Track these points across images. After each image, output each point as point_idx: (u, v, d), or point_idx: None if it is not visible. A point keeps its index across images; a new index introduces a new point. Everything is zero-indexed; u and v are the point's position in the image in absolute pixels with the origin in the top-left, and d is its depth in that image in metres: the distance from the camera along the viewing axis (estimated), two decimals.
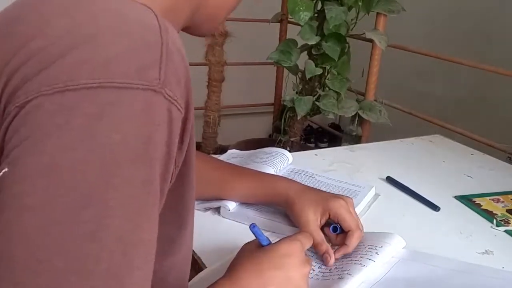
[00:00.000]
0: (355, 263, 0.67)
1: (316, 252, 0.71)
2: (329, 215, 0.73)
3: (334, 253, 0.69)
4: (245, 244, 0.61)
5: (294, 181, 0.82)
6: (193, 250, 0.73)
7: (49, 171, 0.34)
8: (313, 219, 0.72)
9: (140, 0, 0.41)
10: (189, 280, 0.66)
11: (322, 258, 0.70)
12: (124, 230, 0.35)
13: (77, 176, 0.34)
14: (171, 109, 0.38)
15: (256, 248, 0.59)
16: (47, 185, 0.33)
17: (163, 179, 0.39)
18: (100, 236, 0.34)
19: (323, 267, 0.69)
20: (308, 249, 0.72)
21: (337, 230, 0.72)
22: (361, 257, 0.69)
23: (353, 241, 0.70)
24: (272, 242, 0.60)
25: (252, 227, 0.60)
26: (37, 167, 0.34)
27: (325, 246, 0.70)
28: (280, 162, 1.01)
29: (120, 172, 0.35)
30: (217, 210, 0.84)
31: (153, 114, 0.37)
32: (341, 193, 0.91)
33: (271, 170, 0.96)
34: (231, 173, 0.83)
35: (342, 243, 0.71)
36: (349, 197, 0.76)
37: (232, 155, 1.07)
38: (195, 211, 0.84)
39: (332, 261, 0.68)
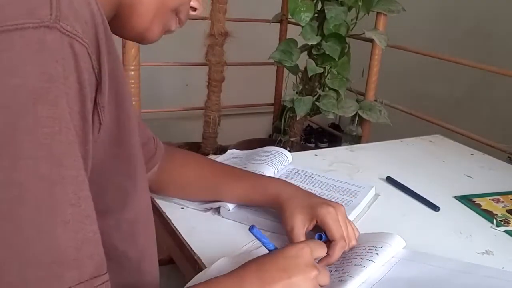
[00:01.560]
0: (355, 265, 0.67)
1: None
2: (317, 222, 0.71)
3: (317, 262, 0.66)
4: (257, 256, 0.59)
5: (288, 183, 0.81)
6: (193, 251, 0.73)
7: None
8: (298, 225, 0.71)
9: None
10: (189, 281, 0.66)
11: None
12: (43, 169, 0.35)
13: None
14: (72, 43, 0.37)
15: (265, 254, 0.58)
16: None
17: (82, 117, 0.39)
18: (19, 179, 0.34)
19: None
20: None
21: (321, 238, 0.70)
22: (361, 258, 0.69)
23: (335, 251, 0.68)
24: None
25: (251, 228, 0.58)
26: None
27: None
28: (280, 162, 1.01)
29: (25, 114, 0.35)
30: (217, 210, 0.84)
31: (49, 50, 0.36)
32: (341, 193, 0.91)
33: (270, 170, 0.96)
34: (226, 175, 0.83)
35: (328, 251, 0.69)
36: (341, 204, 0.74)
37: (232, 155, 1.07)
38: (195, 211, 0.84)
39: None
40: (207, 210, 0.85)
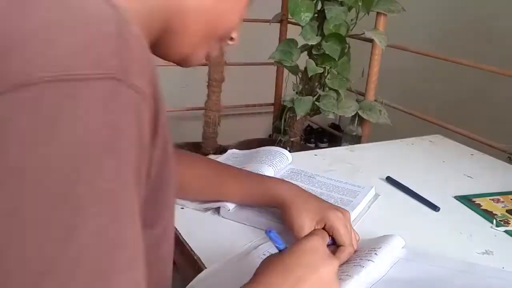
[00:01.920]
0: (354, 265, 0.67)
1: None
2: (325, 225, 0.71)
3: None
4: (267, 257, 0.58)
5: (291, 183, 0.81)
6: (193, 251, 0.73)
7: (14, 172, 0.32)
8: (308, 225, 0.71)
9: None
10: (189, 281, 0.66)
11: None
12: (103, 227, 0.33)
13: (44, 175, 0.32)
14: (136, 97, 0.37)
15: (277, 255, 0.57)
16: (13, 188, 0.32)
17: (138, 172, 0.38)
18: (78, 235, 0.32)
19: None
20: None
21: (327, 242, 0.70)
22: (360, 259, 0.69)
23: (343, 257, 0.68)
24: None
25: (269, 232, 0.57)
26: (0, 169, 0.32)
27: None
28: (280, 162, 1.01)
29: (89, 165, 0.33)
30: (217, 210, 0.84)
31: (117, 102, 0.35)
32: (340, 193, 0.91)
33: (270, 170, 0.96)
34: (228, 175, 0.83)
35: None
36: (347, 210, 0.75)
37: (232, 155, 1.07)
38: (195, 211, 0.84)
39: None
40: (206, 210, 0.85)
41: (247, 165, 0.97)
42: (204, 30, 0.52)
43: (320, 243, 0.57)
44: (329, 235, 0.71)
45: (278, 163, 1.00)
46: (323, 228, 0.71)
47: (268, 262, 0.55)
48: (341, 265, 0.69)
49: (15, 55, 0.34)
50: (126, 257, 0.35)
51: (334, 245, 0.71)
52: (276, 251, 0.58)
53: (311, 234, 0.59)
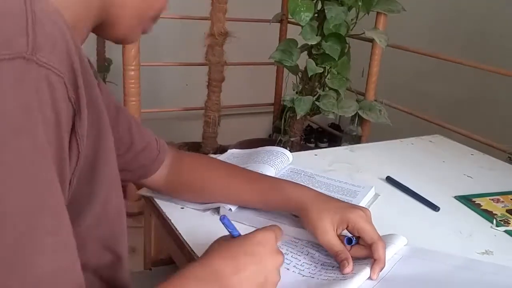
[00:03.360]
0: (358, 264, 0.67)
1: (335, 259, 0.69)
2: (348, 226, 0.70)
3: (371, 274, 0.65)
4: (217, 238, 0.60)
5: (308, 187, 0.79)
6: (193, 251, 0.73)
7: None
8: (330, 228, 0.70)
9: None
10: None
11: (340, 264, 0.67)
12: (23, 200, 0.36)
13: None
14: (48, 75, 0.37)
15: (228, 239, 0.58)
16: None
17: (59, 146, 0.39)
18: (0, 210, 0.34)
19: (328, 271, 0.68)
20: (320, 255, 0.72)
21: (351, 242, 0.69)
22: (364, 258, 0.69)
23: (381, 253, 0.66)
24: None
25: (222, 218, 0.59)
26: None
27: (345, 254, 0.68)
28: (281, 163, 1.01)
29: (4, 145, 0.35)
30: (217, 210, 0.84)
31: (26, 82, 0.36)
32: (340, 193, 0.91)
33: (272, 170, 0.96)
34: (242, 179, 0.81)
35: (357, 255, 0.69)
36: (367, 208, 0.74)
37: (232, 155, 1.07)
38: (195, 211, 0.84)
39: (349, 269, 0.66)
40: (205, 210, 0.85)
41: (248, 165, 0.97)
42: (139, 13, 0.55)
43: (270, 237, 0.57)
44: (351, 235, 0.70)
45: (279, 164, 1.00)
46: (346, 229, 0.70)
47: (217, 245, 0.57)
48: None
49: None
50: (49, 224, 0.37)
51: (358, 245, 0.70)
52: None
53: (265, 227, 0.60)
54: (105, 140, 0.48)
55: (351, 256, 0.69)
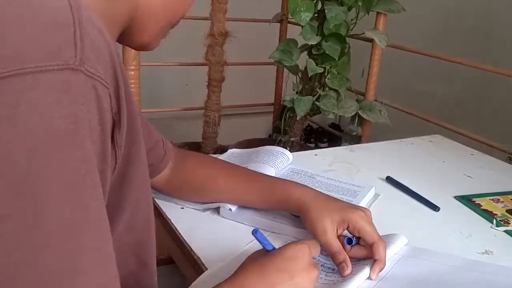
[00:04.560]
0: (358, 265, 0.67)
1: (333, 261, 0.69)
2: (348, 226, 0.70)
3: (371, 274, 0.66)
4: (252, 253, 0.59)
5: (309, 187, 0.79)
6: (193, 251, 0.73)
7: None
8: (330, 227, 0.69)
9: None
10: (189, 281, 0.66)
11: (338, 267, 0.67)
12: (68, 214, 0.35)
13: (5, 169, 0.33)
14: (95, 85, 0.37)
15: (262, 254, 0.57)
16: None
17: (103, 159, 0.39)
18: (43, 224, 0.33)
19: (329, 274, 0.68)
20: (320, 257, 0.72)
21: (351, 242, 0.69)
22: (364, 258, 0.69)
23: (382, 254, 0.66)
24: (276, 247, 0.58)
25: (255, 232, 0.58)
26: None
27: (343, 255, 0.67)
28: (281, 163, 1.01)
29: (49, 157, 0.34)
30: (217, 210, 0.84)
31: (75, 93, 0.35)
32: (341, 193, 0.91)
33: (272, 170, 0.96)
34: (243, 179, 0.81)
35: (357, 255, 0.69)
36: (367, 208, 0.74)
37: (232, 154, 1.07)
38: (195, 211, 0.84)
39: (348, 271, 0.66)
40: (205, 210, 0.85)
41: (248, 164, 0.97)
42: (165, 21, 0.54)
43: (303, 251, 0.56)
44: (352, 235, 0.70)
45: (279, 164, 1.00)
46: (347, 229, 0.70)
47: (250, 261, 0.56)
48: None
49: None
50: (92, 239, 0.36)
51: (358, 245, 0.70)
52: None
53: (298, 241, 0.59)
54: (137, 149, 0.47)
55: (352, 257, 0.68)
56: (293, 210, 0.77)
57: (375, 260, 0.66)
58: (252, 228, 0.59)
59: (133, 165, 0.47)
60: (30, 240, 0.33)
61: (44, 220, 0.34)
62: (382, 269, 0.67)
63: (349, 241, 0.70)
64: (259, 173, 0.87)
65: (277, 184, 0.79)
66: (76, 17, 0.37)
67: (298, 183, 0.81)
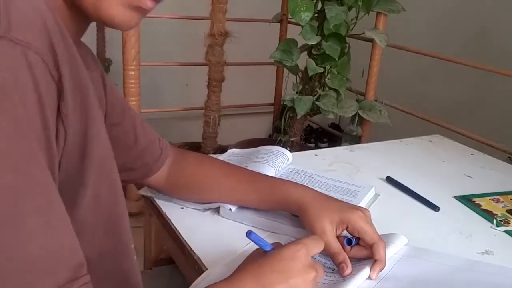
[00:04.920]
0: (358, 265, 0.67)
1: (332, 261, 0.69)
2: (347, 227, 0.70)
3: (371, 274, 0.65)
4: (252, 252, 0.59)
5: (308, 187, 0.79)
6: (193, 251, 0.73)
7: None
8: (329, 228, 0.69)
9: None
10: (189, 281, 0.66)
11: (338, 267, 0.67)
12: (7, 180, 0.35)
13: None
14: (25, 52, 0.36)
15: (260, 254, 0.57)
16: None
17: (44, 125, 0.38)
18: None
19: (329, 274, 0.68)
20: (320, 257, 0.71)
21: (351, 243, 0.69)
22: (364, 258, 0.69)
23: (382, 254, 0.66)
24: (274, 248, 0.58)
25: (249, 234, 0.57)
26: None
27: (343, 255, 0.67)
28: (281, 163, 1.01)
29: None
30: (217, 210, 0.84)
31: (2, 61, 0.35)
32: (340, 193, 0.91)
33: (272, 170, 0.96)
34: (242, 179, 0.81)
35: (357, 256, 0.69)
36: (366, 208, 0.74)
37: (232, 154, 1.07)
38: (195, 211, 0.84)
39: (348, 271, 0.65)
40: (205, 210, 0.85)
41: (248, 164, 0.97)
42: None
43: (301, 253, 0.56)
44: (351, 236, 0.70)
45: (279, 164, 1.00)
46: (346, 229, 0.70)
47: (248, 262, 0.55)
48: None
49: None
50: (37, 201, 0.37)
51: (358, 245, 0.69)
52: None
53: (296, 241, 0.58)
54: (94, 124, 0.47)
55: (352, 257, 0.68)
56: (293, 210, 0.77)
57: (375, 260, 0.66)
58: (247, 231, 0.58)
59: (92, 141, 0.47)
60: None
61: None
62: (382, 269, 0.66)
63: (349, 242, 0.69)
64: (258, 173, 0.86)
65: (276, 185, 0.79)
66: None
67: (298, 183, 0.81)
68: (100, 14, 0.48)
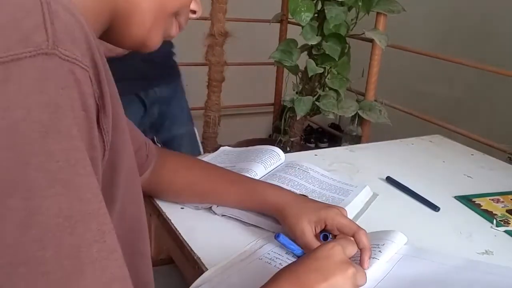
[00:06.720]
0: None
1: None
2: (326, 225, 0.70)
3: (362, 265, 0.64)
4: (284, 267, 0.56)
5: (287, 190, 0.80)
6: (193, 251, 0.73)
7: None
8: (308, 228, 0.70)
9: None
10: (190, 281, 0.66)
11: None
12: (62, 207, 0.33)
13: None
14: (73, 69, 0.35)
15: (293, 262, 0.55)
16: None
17: (92, 145, 0.37)
18: (36, 221, 0.32)
19: None
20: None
21: (327, 238, 0.70)
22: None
23: (365, 241, 0.66)
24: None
25: (277, 236, 0.56)
26: None
27: None
28: (270, 159, 1.00)
29: (35, 149, 0.32)
30: (210, 208, 0.84)
31: (52, 78, 0.34)
32: (332, 192, 0.92)
33: (260, 167, 0.96)
34: (219, 180, 0.82)
35: None
36: (343, 207, 0.75)
37: (223, 152, 1.07)
38: (195, 211, 0.84)
39: None
40: (197, 208, 0.85)
41: (237, 163, 0.97)
42: (153, 7, 0.49)
43: (336, 250, 0.54)
44: (326, 231, 0.70)
45: (268, 160, 0.99)
46: (324, 229, 0.71)
47: (281, 271, 0.54)
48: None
49: None
50: (93, 230, 0.35)
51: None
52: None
53: (329, 241, 0.58)
54: (122, 135, 0.45)
55: None
56: (270, 213, 0.77)
57: (360, 250, 0.65)
58: (276, 233, 0.57)
59: (120, 152, 0.45)
60: (25, 239, 0.32)
61: (38, 217, 0.32)
62: (370, 256, 0.66)
63: (325, 237, 0.70)
64: (239, 175, 0.86)
65: (255, 187, 0.80)
66: (44, 1, 0.35)
67: (277, 186, 0.81)
68: (145, 45, 0.51)
